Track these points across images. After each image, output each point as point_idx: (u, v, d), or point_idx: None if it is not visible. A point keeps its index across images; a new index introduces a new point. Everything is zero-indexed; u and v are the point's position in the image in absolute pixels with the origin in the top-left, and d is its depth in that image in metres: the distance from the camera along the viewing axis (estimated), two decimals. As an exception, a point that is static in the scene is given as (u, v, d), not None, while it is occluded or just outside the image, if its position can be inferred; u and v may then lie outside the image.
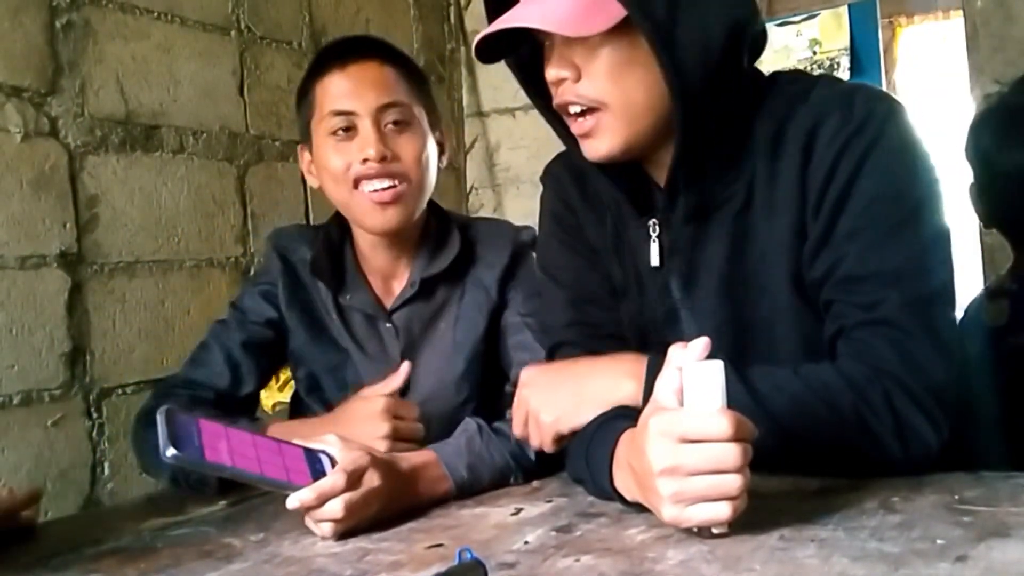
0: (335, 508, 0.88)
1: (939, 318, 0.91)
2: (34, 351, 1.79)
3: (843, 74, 3.34)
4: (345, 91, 1.25)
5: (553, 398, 0.99)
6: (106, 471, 1.90)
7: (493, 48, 0.98)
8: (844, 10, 3.38)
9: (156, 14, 2.08)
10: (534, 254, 1.33)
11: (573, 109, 0.95)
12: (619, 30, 0.91)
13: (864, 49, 3.36)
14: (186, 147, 2.14)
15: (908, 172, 0.92)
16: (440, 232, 1.33)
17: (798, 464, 0.89)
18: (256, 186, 2.30)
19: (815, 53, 3.39)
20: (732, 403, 0.75)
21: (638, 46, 0.91)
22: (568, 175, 1.14)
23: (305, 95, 1.30)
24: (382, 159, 1.23)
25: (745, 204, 0.97)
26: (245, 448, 0.91)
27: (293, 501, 0.88)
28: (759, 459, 0.75)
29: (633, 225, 1.05)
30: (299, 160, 1.35)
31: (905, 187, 0.91)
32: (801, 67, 3.38)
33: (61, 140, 1.87)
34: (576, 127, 0.97)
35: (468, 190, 3.15)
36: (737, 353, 0.93)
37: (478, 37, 0.95)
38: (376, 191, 1.24)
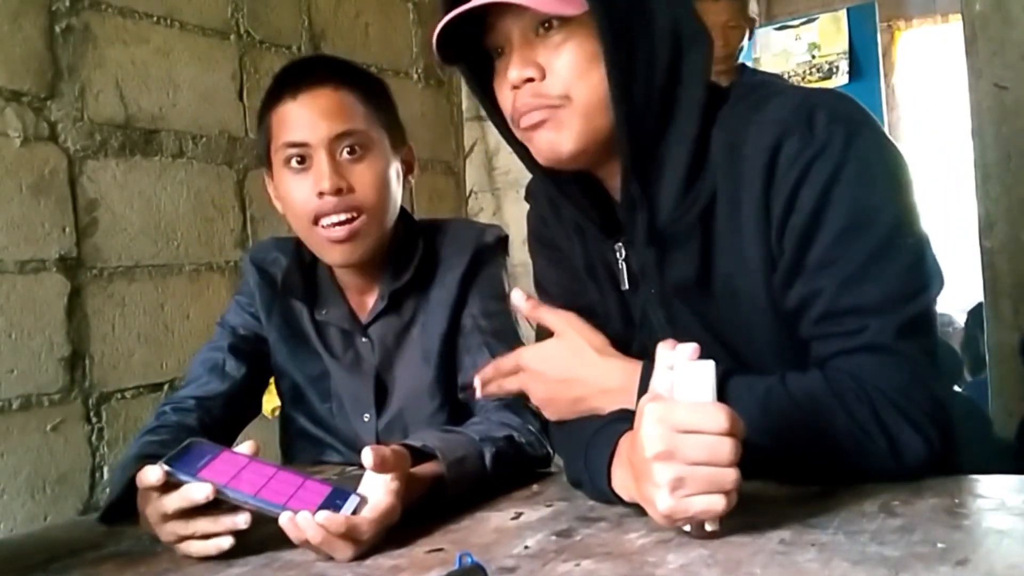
0: (342, 550, 0.85)
1: (925, 337, 0.90)
2: (33, 355, 1.80)
3: (842, 77, 3.35)
4: (298, 121, 1.22)
5: (553, 402, 1.00)
6: (105, 475, 1.90)
7: (451, 47, 0.95)
8: (843, 14, 3.39)
9: (155, 18, 2.09)
10: (498, 255, 1.34)
11: (532, 116, 0.92)
12: (585, 25, 0.89)
13: (863, 52, 3.37)
14: (185, 151, 2.14)
15: (877, 195, 0.89)
16: (406, 242, 1.31)
17: (788, 476, 0.89)
18: (255, 190, 2.30)
19: (814, 57, 3.39)
20: None
21: (599, 45, 0.89)
22: (542, 193, 1.13)
23: (262, 122, 1.28)
24: (337, 191, 1.20)
25: (707, 225, 0.94)
26: (255, 476, 0.89)
27: (293, 525, 0.83)
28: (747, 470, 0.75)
29: (603, 248, 1.03)
30: (266, 186, 1.32)
31: (875, 212, 0.88)
32: (800, 71, 3.39)
33: (60, 144, 1.87)
34: (526, 120, 0.93)
35: (468, 194, 3.16)
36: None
37: (439, 26, 0.91)
38: (333, 225, 1.21)
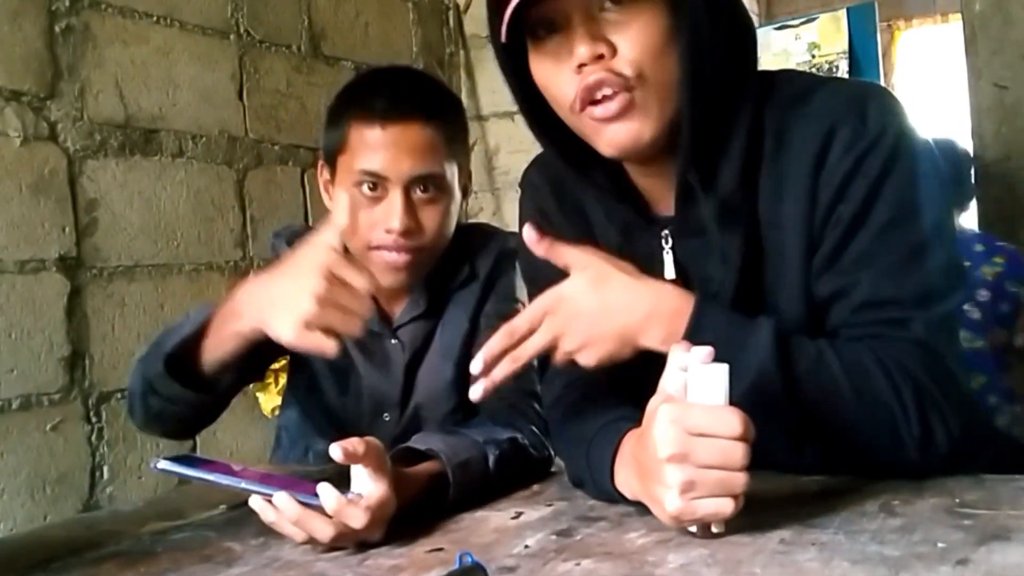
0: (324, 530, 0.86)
1: (955, 336, 0.91)
2: (33, 355, 1.80)
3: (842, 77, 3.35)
4: (381, 152, 1.19)
5: (595, 342, 0.89)
6: (105, 475, 1.90)
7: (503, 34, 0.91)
8: (843, 13, 3.38)
9: (155, 18, 2.09)
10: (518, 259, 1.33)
11: (604, 91, 0.88)
12: (653, 4, 0.87)
13: (863, 52, 3.36)
14: (185, 151, 2.14)
15: (923, 191, 0.89)
16: (448, 250, 1.30)
17: (813, 438, 0.88)
18: (255, 190, 2.30)
19: (814, 56, 3.39)
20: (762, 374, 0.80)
21: (673, 22, 0.88)
22: (546, 183, 1.10)
23: (337, 124, 1.24)
24: (405, 232, 1.20)
25: (752, 213, 0.93)
26: (251, 475, 0.90)
27: (327, 497, 0.84)
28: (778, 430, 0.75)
29: (639, 237, 1.00)
30: (317, 175, 1.31)
31: (920, 208, 0.89)
32: (800, 70, 3.39)
33: (60, 144, 1.87)
34: (603, 109, 0.88)
35: (467, 194, 3.15)
36: None
37: (510, 8, 0.86)
38: (391, 257, 1.21)
